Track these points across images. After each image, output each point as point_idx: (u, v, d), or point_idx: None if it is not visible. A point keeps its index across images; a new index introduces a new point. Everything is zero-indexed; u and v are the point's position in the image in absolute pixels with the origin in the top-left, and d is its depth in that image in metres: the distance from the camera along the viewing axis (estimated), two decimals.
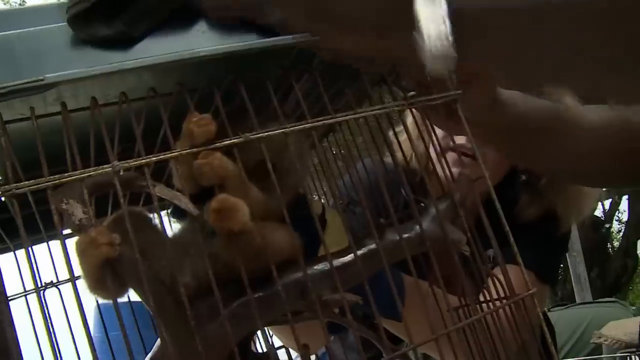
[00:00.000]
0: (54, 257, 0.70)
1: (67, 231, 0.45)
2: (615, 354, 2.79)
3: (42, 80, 0.42)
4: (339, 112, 0.51)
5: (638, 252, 5.24)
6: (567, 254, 4.02)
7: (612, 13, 0.31)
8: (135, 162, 0.43)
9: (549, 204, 1.07)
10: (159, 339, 0.50)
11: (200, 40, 0.48)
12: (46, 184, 0.41)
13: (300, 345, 0.47)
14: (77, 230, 0.43)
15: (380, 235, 0.52)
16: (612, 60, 0.33)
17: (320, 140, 0.71)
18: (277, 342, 0.80)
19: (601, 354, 2.95)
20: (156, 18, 0.47)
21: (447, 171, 0.56)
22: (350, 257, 0.51)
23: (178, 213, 0.58)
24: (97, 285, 0.43)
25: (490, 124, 0.71)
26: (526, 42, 0.36)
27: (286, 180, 0.51)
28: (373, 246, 0.52)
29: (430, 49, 0.35)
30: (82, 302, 0.40)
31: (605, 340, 2.77)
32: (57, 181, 0.41)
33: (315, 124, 0.49)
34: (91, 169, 0.42)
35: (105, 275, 0.41)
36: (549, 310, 3.25)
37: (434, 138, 0.59)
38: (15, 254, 0.73)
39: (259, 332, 0.61)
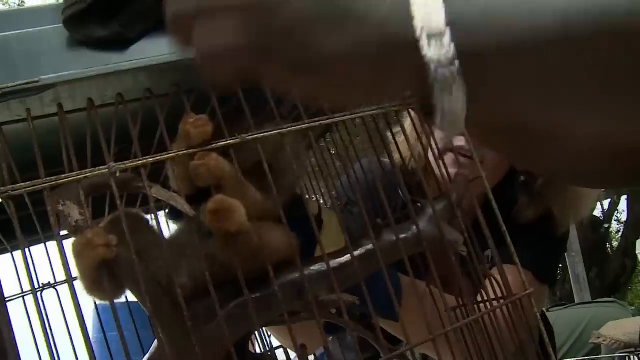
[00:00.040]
0: (51, 258, 0.70)
1: (64, 232, 0.45)
2: (614, 354, 2.79)
3: (38, 81, 0.42)
4: (336, 112, 0.51)
5: (637, 252, 5.24)
6: (566, 254, 4.02)
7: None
8: (132, 164, 0.43)
9: (548, 205, 1.07)
10: (156, 340, 0.50)
11: None
12: (43, 185, 0.41)
13: (297, 346, 0.47)
14: (74, 231, 0.43)
15: (377, 236, 0.52)
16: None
17: (318, 141, 0.71)
18: (275, 343, 0.80)
19: (600, 354, 2.95)
20: (152, 19, 0.47)
21: (445, 172, 0.57)
22: (347, 257, 0.51)
23: (175, 214, 0.58)
24: (94, 286, 0.43)
25: (489, 124, 0.70)
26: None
27: (283, 181, 0.51)
28: (370, 246, 0.52)
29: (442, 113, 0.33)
30: (80, 303, 0.40)
31: (604, 341, 2.77)
32: (53, 182, 0.41)
33: (312, 124, 0.49)
34: (88, 170, 0.42)
35: (102, 276, 0.41)
36: (547, 310, 3.25)
37: (432, 139, 0.59)
38: (12, 255, 0.73)
39: (256, 333, 0.61)
